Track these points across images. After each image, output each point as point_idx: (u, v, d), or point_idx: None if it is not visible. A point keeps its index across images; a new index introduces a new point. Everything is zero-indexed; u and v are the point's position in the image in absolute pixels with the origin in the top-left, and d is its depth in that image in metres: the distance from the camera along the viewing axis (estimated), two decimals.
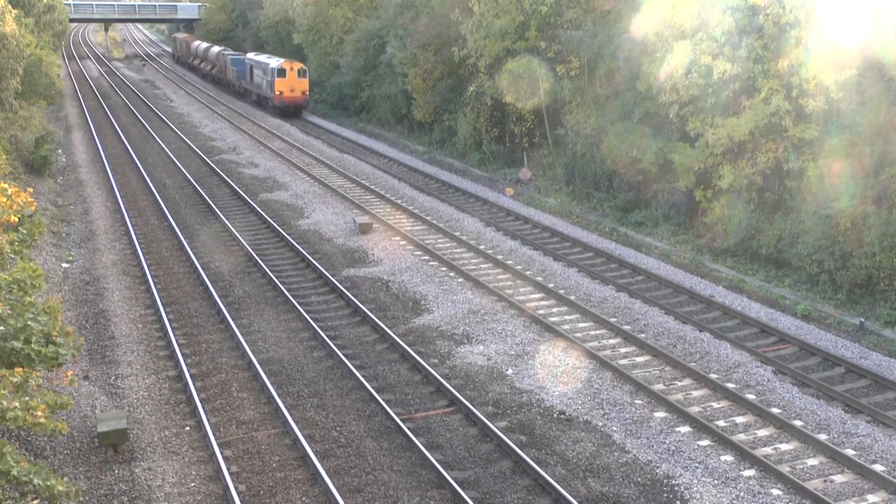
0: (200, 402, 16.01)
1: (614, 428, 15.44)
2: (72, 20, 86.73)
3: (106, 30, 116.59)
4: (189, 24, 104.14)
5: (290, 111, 53.10)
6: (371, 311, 20.58)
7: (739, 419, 15.72)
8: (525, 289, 22.47)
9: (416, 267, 24.08)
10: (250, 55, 60.95)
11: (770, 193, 24.37)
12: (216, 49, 71.82)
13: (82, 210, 30.75)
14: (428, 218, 29.11)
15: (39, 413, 10.63)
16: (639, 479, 13.84)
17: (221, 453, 14.26)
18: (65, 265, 24.35)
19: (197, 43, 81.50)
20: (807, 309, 20.91)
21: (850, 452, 14.48)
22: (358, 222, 27.74)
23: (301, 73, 52.21)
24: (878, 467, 14.09)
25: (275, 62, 53.13)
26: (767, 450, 14.65)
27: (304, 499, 13.28)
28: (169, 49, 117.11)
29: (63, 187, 34.32)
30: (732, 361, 17.95)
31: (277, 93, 52.08)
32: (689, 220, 27.18)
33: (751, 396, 16.48)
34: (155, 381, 17.18)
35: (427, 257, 25.01)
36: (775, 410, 15.91)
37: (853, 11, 21.41)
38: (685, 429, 15.35)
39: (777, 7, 23.24)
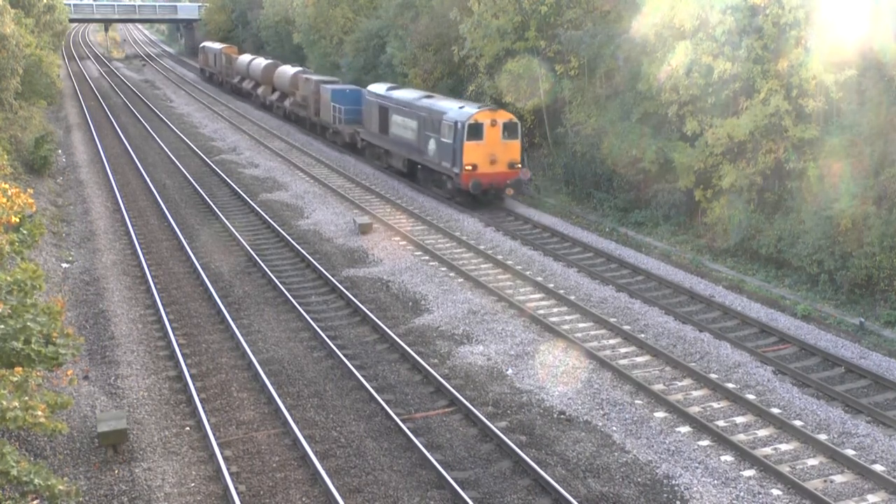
0: (200, 402, 16.01)
1: (614, 428, 15.44)
2: (72, 20, 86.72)
3: (106, 30, 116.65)
4: (189, 25, 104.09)
5: (489, 195, 30.25)
6: (371, 311, 20.58)
7: (739, 419, 15.72)
8: (525, 289, 22.47)
9: (416, 267, 24.08)
10: (377, 88, 37.25)
11: (770, 193, 24.38)
12: (291, 71, 50.11)
13: (82, 210, 30.75)
14: (428, 218, 29.11)
15: (39, 413, 10.62)
16: (639, 479, 13.84)
17: (221, 453, 14.26)
18: (65, 265, 24.35)
19: (247, 59, 60.95)
20: (807, 309, 20.90)
21: (850, 452, 14.48)
22: (358, 222, 27.74)
23: (509, 131, 29.72)
24: (878, 467, 14.09)
25: (453, 108, 30.40)
26: (767, 450, 14.65)
27: (303, 499, 13.28)
28: (170, 50, 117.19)
29: (63, 187, 34.32)
30: (732, 361, 17.95)
31: (467, 167, 29.03)
32: (689, 220, 27.18)
33: (751, 396, 16.48)
34: (155, 382, 17.18)
35: (427, 257, 25.01)
36: (775, 410, 15.91)
37: (853, 11, 21.41)
38: (685, 429, 15.35)
39: (776, 7, 23.24)
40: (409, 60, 42.86)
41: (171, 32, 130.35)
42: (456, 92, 40.90)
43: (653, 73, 26.87)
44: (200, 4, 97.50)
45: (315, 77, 46.35)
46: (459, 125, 29.12)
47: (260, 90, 57.15)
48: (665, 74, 26.12)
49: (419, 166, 32.86)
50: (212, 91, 67.45)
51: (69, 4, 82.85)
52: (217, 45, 73.94)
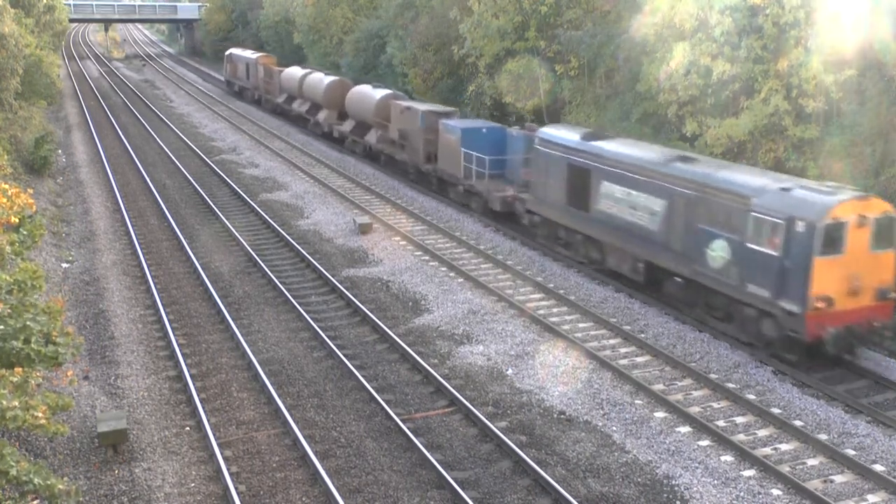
0: (200, 402, 16.01)
1: (614, 428, 15.44)
2: (72, 20, 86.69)
3: (106, 30, 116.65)
4: (189, 25, 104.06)
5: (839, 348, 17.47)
6: (371, 312, 20.58)
7: (739, 419, 15.71)
8: (525, 289, 22.46)
9: (416, 267, 24.07)
10: (561, 133, 24.59)
11: None
12: (375, 95, 37.60)
13: (82, 210, 30.75)
14: (428, 218, 29.10)
15: (40, 414, 10.62)
16: (639, 480, 13.84)
17: (221, 453, 14.26)
18: (65, 265, 24.35)
19: (297, 73, 48.54)
20: None
21: (850, 452, 14.48)
22: (358, 222, 27.74)
23: (884, 233, 17.19)
24: (878, 467, 14.09)
25: (769, 186, 17.88)
26: (767, 450, 14.64)
27: (303, 499, 13.28)
28: (170, 50, 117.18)
29: (63, 187, 34.33)
30: (732, 362, 17.95)
31: (818, 304, 16.65)
32: None
33: (751, 396, 16.47)
34: (155, 382, 17.18)
35: (427, 257, 25.00)
36: (775, 410, 15.91)
37: (853, 11, 21.42)
38: (685, 429, 15.35)
39: (776, 7, 23.25)
40: (409, 60, 42.86)
41: (171, 32, 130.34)
42: (456, 92, 40.84)
43: (652, 73, 26.89)
44: (200, 4, 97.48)
45: (423, 107, 33.33)
46: (803, 226, 16.58)
47: (321, 116, 44.06)
48: (665, 75, 26.13)
49: (678, 279, 19.76)
50: (212, 91, 66.99)
51: (69, 4, 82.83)
52: (249, 53, 60.65)
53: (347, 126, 40.90)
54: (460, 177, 29.58)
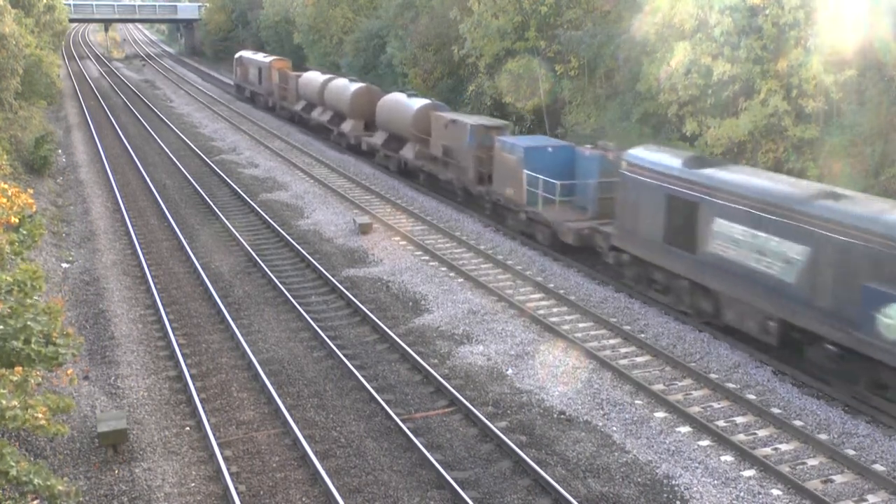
0: (200, 402, 16.01)
1: (614, 428, 15.44)
2: (72, 20, 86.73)
3: (106, 30, 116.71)
4: (189, 25, 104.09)
5: None
6: (371, 312, 20.58)
7: (739, 419, 15.71)
8: (525, 289, 22.46)
9: (416, 267, 24.07)
10: (654, 156, 20.90)
11: None
12: (413, 105, 33.82)
13: (82, 210, 30.76)
14: (428, 218, 29.10)
15: (40, 414, 10.62)
16: (639, 480, 13.84)
17: (221, 453, 14.26)
18: (65, 265, 24.35)
19: (317, 79, 44.86)
20: None
21: (850, 452, 14.48)
22: (358, 222, 27.74)
23: None
24: (878, 467, 14.09)
25: None
26: (767, 450, 14.64)
27: (303, 499, 13.28)
28: (170, 50, 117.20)
29: (63, 187, 34.33)
30: (732, 362, 17.95)
31: None
32: None
33: (751, 396, 16.47)
34: (155, 382, 17.18)
35: (427, 257, 25.00)
36: (775, 411, 15.90)
37: (853, 11, 21.42)
38: (685, 429, 15.35)
39: (776, 8, 23.25)
40: (409, 60, 42.87)
41: (171, 32, 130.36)
42: (456, 92, 40.83)
43: (652, 73, 26.90)
44: (200, 4, 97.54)
45: (471, 120, 29.70)
46: None
47: (346, 126, 40.19)
48: (665, 74, 26.14)
49: (830, 346, 16.02)
50: (212, 91, 66.99)
51: (69, 4, 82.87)
52: (261, 56, 56.95)
53: (378, 138, 36.70)
54: (521, 202, 25.57)
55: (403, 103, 34.72)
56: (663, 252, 19.86)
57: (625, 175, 20.99)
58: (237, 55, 61.91)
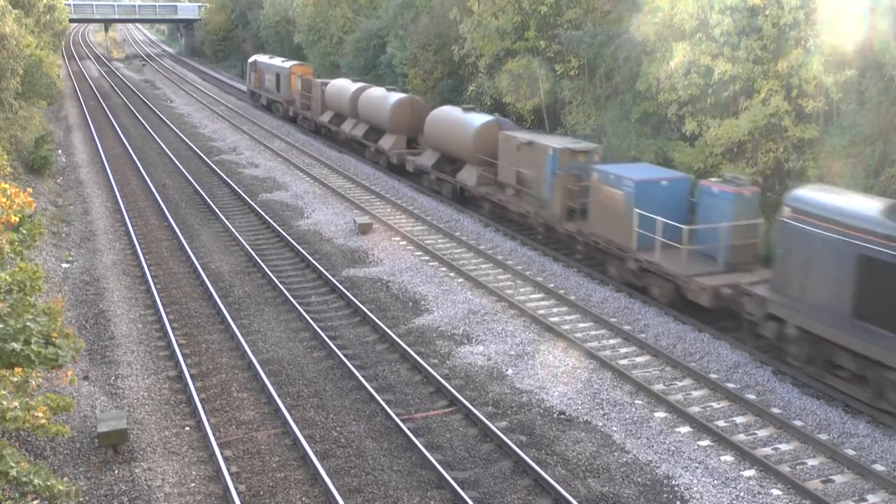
0: (200, 402, 16.02)
1: (614, 428, 15.44)
2: (72, 20, 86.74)
3: (106, 30, 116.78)
4: (189, 25, 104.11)
5: None
6: (371, 312, 20.58)
7: (739, 419, 15.72)
8: (525, 289, 22.46)
9: (416, 267, 24.07)
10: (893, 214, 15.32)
11: (771, 193, 24.36)
12: (473, 123, 29.49)
13: (82, 210, 30.76)
14: (428, 218, 29.10)
15: (40, 415, 10.61)
16: (639, 480, 13.84)
17: (221, 453, 14.26)
18: (65, 265, 24.35)
19: (348, 87, 40.46)
20: None
21: (850, 452, 14.48)
22: (358, 222, 27.74)
23: None
24: (878, 467, 14.09)
25: None
26: (767, 450, 14.65)
27: (303, 499, 13.28)
28: (170, 50, 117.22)
29: (63, 187, 34.33)
30: (732, 361, 17.95)
31: None
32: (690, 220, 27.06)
33: (751, 396, 16.47)
34: (155, 382, 17.18)
35: (427, 257, 25.00)
36: (775, 411, 15.91)
37: (852, 12, 21.41)
38: (685, 429, 15.35)
39: (776, 8, 23.24)
40: (409, 60, 42.85)
41: (171, 32, 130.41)
42: (456, 92, 40.84)
43: (652, 73, 26.86)
44: (200, 4, 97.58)
45: (553, 142, 25.34)
46: None
47: (386, 143, 35.73)
48: (665, 74, 26.13)
49: None
50: (212, 91, 66.88)
51: (69, 4, 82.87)
52: (279, 61, 52.07)
53: (427, 159, 32.06)
54: (630, 247, 21.07)
55: (461, 119, 30.03)
56: (853, 329, 15.42)
57: (790, 224, 16.89)
58: (251, 59, 57.61)
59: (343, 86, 41.26)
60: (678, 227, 19.91)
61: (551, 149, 24.58)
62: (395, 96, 36.06)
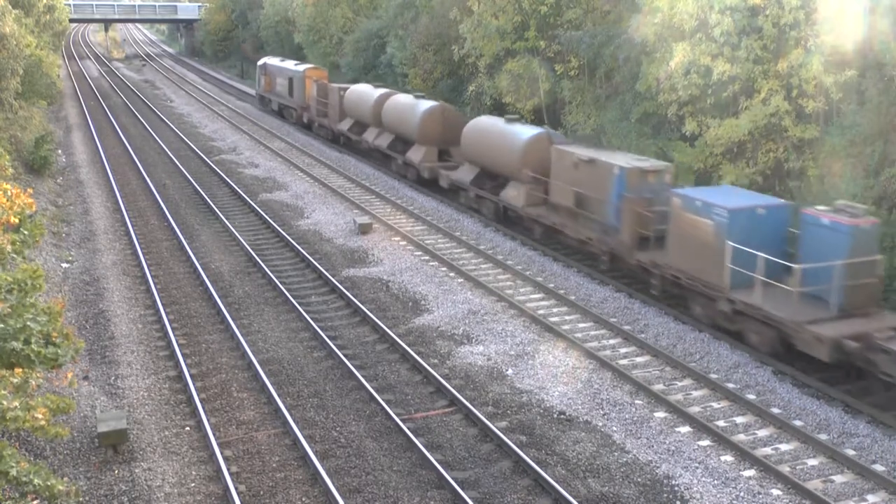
0: (200, 402, 16.01)
1: (614, 428, 15.44)
2: (72, 20, 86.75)
3: (106, 30, 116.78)
4: (189, 25, 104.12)
5: None
6: (371, 312, 20.58)
7: (739, 419, 15.72)
8: (525, 289, 22.46)
9: (416, 267, 24.07)
10: None
11: (771, 193, 24.38)
12: (525, 132, 26.73)
13: (82, 210, 30.75)
14: (428, 218, 29.10)
15: (40, 416, 10.61)
16: (639, 480, 13.84)
17: (221, 453, 14.26)
18: (65, 265, 24.35)
19: (368, 93, 38.10)
20: None
21: (850, 452, 14.48)
22: (358, 222, 27.74)
23: None
24: (878, 467, 14.09)
25: None
26: (767, 450, 14.65)
27: (303, 499, 13.28)
28: (170, 50, 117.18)
29: (63, 187, 34.33)
30: (732, 362, 17.95)
31: None
32: None
33: (751, 396, 16.47)
34: (155, 382, 17.18)
35: (427, 257, 25.00)
36: (775, 410, 15.91)
37: (853, 12, 21.42)
38: (685, 429, 15.35)
39: (776, 8, 23.25)
40: (409, 60, 42.88)
41: (171, 32, 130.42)
42: (456, 92, 40.84)
43: (652, 73, 26.88)
44: (200, 4, 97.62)
45: (619, 160, 22.51)
46: None
47: (415, 155, 33.07)
48: (665, 75, 26.14)
49: None
50: (212, 91, 66.85)
51: (69, 4, 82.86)
52: (291, 65, 49.47)
53: (465, 174, 29.43)
54: (721, 286, 18.39)
55: (505, 131, 27.52)
56: None
57: None
58: (260, 62, 54.87)
59: (365, 92, 38.64)
60: (784, 264, 17.48)
61: (617, 167, 21.81)
62: (426, 104, 33.38)
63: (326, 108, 43.40)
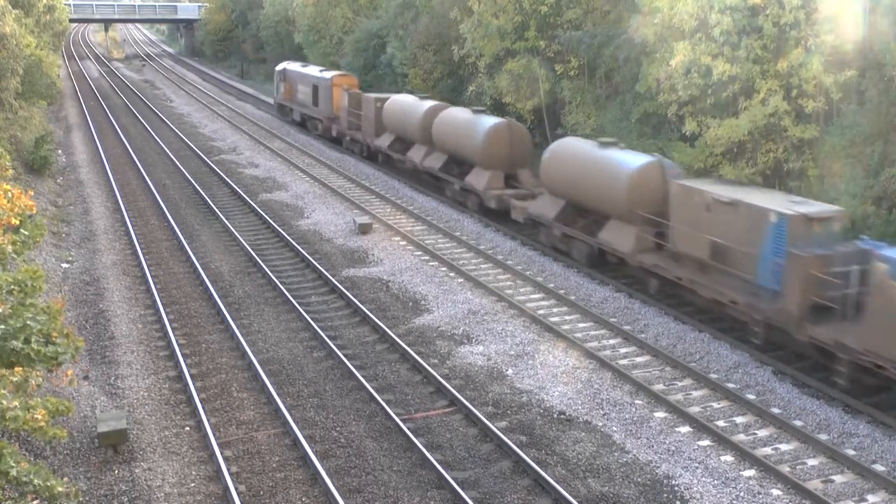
0: (200, 402, 16.01)
1: (614, 428, 15.44)
2: (72, 20, 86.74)
3: (106, 30, 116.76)
4: (189, 25, 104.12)
5: None
6: (371, 312, 20.58)
7: (739, 419, 15.72)
8: (525, 289, 22.46)
9: (416, 267, 24.07)
10: None
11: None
12: (631, 160, 21.73)
13: (82, 210, 30.75)
14: (428, 218, 29.10)
15: (39, 417, 10.61)
16: (639, 480, 13.84)
17: (221, 453, 14.26)
18: (65, 265, 24.35)
19: (414, 106, 33.38)
20: None
21: (850, 452, 14.48)
22: (358, 222, 27.74)
23: None
24: (878, 467, 14.09)
25: None
26: (767, 450, 14.65)
27: (303, 499, 13.28)
28: (170, 50, 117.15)
29: (63, 187, 34.33)
30: (732, 362, 17.95)
31: None
32: None
33: (751, 396, 16.48)
34: (155, 382, 17.18)
35: (427, 257, 25.00)
36: (775, 411, 15.91)
37: (853, 12, 21.42)
38: (685, 429, 15.35)
39: (776, 8, 23.24)
40: (409, 60, 42.86)
41: (171, 32, 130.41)
42: (456, 92, 40.83)
43: (652, 73, 26.86)
44: (200, 4, 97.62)
45: (777, 205, 17.48)
46: None
47: (478, 181, 28.35)
48: (665, 75, 26.12)
49: None
50: (212, 91, 66.75)
51: (69, 4, 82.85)
52: (315, 71, 44.66)
53: (548, 208, 24.57)
54: None
55: (603, 159, 22.53)
56: None
57: None
58: (279, 67, 49.87)
59: (409, 103, 33.75)
60: None
61: (775, 214, 17.03)
62: (490, 120, 28.53)
63: (360, 120, 38.48)
